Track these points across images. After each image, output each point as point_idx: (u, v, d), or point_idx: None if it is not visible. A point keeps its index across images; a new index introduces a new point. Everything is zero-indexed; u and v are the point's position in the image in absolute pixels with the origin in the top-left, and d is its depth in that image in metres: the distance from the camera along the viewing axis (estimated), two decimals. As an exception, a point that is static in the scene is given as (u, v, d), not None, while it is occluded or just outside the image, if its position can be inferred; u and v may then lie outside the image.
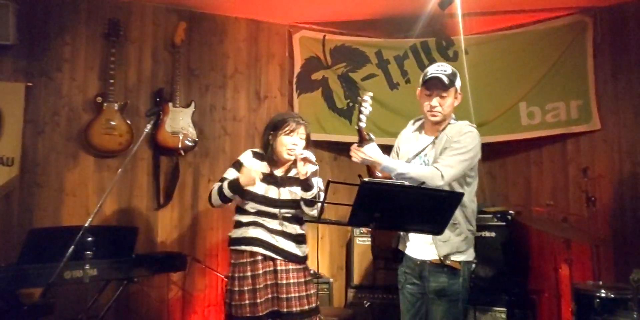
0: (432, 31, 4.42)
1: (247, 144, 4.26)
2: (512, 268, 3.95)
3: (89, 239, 2.58)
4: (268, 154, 2.80)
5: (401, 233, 2.57)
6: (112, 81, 3.75)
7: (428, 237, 2.41)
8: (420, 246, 2.47)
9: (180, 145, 3.89)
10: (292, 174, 2.80)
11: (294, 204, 2.74)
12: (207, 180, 4.13)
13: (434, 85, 2.41)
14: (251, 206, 2.75)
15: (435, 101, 2.42)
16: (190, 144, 3.94)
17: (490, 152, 4.45)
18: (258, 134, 4.30)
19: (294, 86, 4.46)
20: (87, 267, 2.61)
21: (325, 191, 2.12)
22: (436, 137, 2.46)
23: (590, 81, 4.00)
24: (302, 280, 2.75)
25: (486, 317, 3.82)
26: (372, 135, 2.39)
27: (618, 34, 3.95)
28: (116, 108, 3.75)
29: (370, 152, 2.34)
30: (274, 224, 2.73)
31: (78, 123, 3.76)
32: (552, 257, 3.92)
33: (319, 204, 2.62)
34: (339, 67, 4.49)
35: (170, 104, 3.92)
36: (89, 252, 2.58)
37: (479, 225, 4.05)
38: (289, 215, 2.76)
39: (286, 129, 2.73)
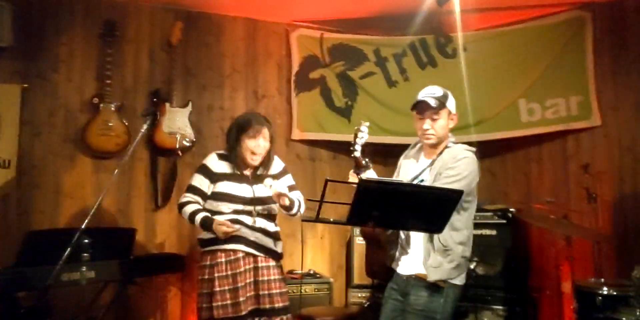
0: (430, 28, 4.40)
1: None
2: (513, 266, 3.93)
3: (87, 240, 2.57)
4: (232, 156, 2.80)
5: (395, 253, 2.53)
6: (108, 82, 3.73)
7: (420, 262, 2.36)
8: (410, 264, 2.43)
9: (177, 146, 3.87)
10: (259, 172, 2.85)
11: (268, 200, 2.78)
12: (205, 181, 4.11)
13: (423, 109, 2.43)
14: (227, 207, 2.74)
15: (427, 124, 2.42)
16: (187, 144, 3.93)
17: (490, 149, 4.44)
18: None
19: (292, 85, 4.44)
20: (85, 269, 2.62)
21: (324, 190, 2.10)
22: (433, 161, 2.45)
23: (590, 77, 3.99)
24: (281, 277, 2.80)
25: (487, 315, 3.80)
26: (368, 162, 2.40)
27: (617, 29, 3.93)
28: (113, 109, 3.73)
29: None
30: (253, 220, 2.75)
31: (75, 124, 3.75)
32: (553, 255, 3.89)
33: (298, 207, 2.77)
34: (337, 66, 4.47)
35: (167, 104, 3.91)
36: (86, 254, 2.58)
37: (478, 224, 4.07)
38: (265, 212, 2.79)
39: (249, 132, 2.76)
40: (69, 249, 2.51)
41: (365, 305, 4.01)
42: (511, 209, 4.06)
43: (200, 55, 4.19)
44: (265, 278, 2.73)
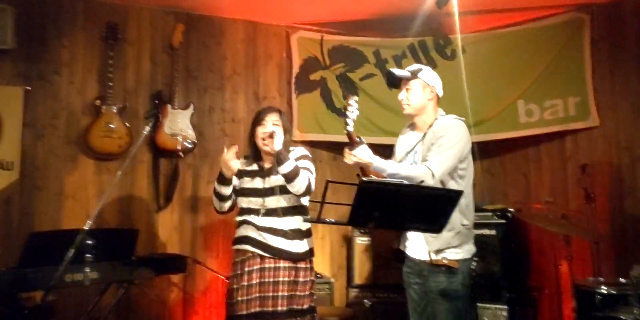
0: (429, 30, 4.43)
1: (246, 145, 4.22)
2: (512, 265, 3.95)
3: (89, 241, 2.58)
4: (252, 151, 2.81)
5: (401, 233, 2.59)
6: (110, 84, 3.75)
7: (420, 235, 2.44)
8: (416, 245, 2.50)
9: (179, 147, 3.89)
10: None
11: (281, 190, 2.68)
12: (206, 182, 4.14)
13: (391, 82, 2.61)
14: (241, 201, 2.77)
15: (401, 94, 2.57)
16: (189, 145, 3.95)
17: (489, 149, 4.47)
18: (257, 135, 4.31)
19: (293, 87, 4.46)
20: (88, 270, 2.63)
21: (325, 191, 2.12)
22: (424, 134, 2.52)
23: (587, 78, 4.01)
24: (292, 279, 2.65)
25: (487, 315, 3.82)
26: (362, 138, 2.42)
27: (615, 31, 3.95)
28: (115, 111, 3.76)
29: (361, 154, 2.36)
30: (260, 220, 2.69)
31: (77, 126, 3.77)
32: (552, 254, 3.92)
33: (300, 179, 2.58)
34: (337, 67, 4.49)
35: (169, 106, 3.93)
36: (89, 255, 2.59)
37: (478, 224, 4.06)
38: (275, 205, 2.69)
39: (259, 121, 2.76)
40: (72, 249, 2.53)
41: (367, 306, 4.03)
42: (510, 209, 4.08)
43: (201, 57, 4.21)
44: (272, 279, 2.63)
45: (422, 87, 2.56)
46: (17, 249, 3.03)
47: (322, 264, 4.45)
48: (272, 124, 2.73)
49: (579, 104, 4.04)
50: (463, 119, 2.55)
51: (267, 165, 2.79)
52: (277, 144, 2.60)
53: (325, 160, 4.57)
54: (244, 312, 2.61)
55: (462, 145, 2.45)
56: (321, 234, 4.49)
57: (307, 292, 2.70)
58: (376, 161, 2.37)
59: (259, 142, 2.74)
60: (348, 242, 4.48)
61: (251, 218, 2.73)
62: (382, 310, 3.96)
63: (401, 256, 2.60)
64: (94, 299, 3.37)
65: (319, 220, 2.48)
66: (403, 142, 2.68)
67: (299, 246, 2.70)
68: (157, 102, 3.95)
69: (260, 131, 2.72)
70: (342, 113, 4.37)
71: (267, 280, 2.64)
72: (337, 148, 4.45)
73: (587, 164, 3.80)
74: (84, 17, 3.86)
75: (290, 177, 2.59)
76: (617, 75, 3.94)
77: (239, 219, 2.78)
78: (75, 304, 3.54)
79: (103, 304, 3.35)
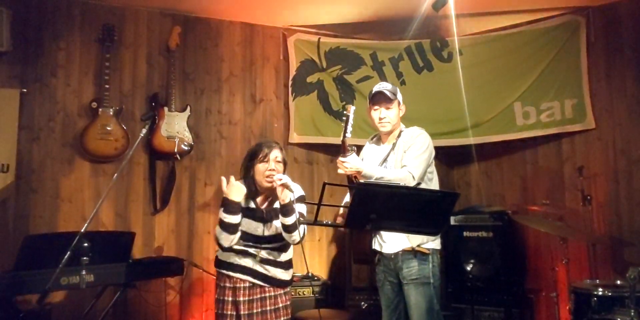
0: (426, 32, 4.44)
1: (243, 147, 4.26)
2: (509, 267, 3.96)
3: (86, 244, 2.58)
4: (248, 185, 2.73)
5: (375, 233, 2.79)
6: (107, 86, 3.75)
7: (402, 234, 2.66)
8: (394, 241, 2.73)
9: (176, 150, 3.88)
10: (276, 205, 2.70)
11: (278, 237, 2.69)
12: (203, 184, 4.13)
13: (379, 100, 2.79)
14: (239, 241, 2.71)
15: (383, 113, 2.79)
16: (186, 148, 3.94)
17: (485, 152, 4.48)
18: (254, 137, 4.31)
19: (290, 89, 4.46)
20: (84, 272, 2.61)
21: (322, 194, 2.12)
22: (394, 144, 2.80)
23: (584, 80, 4.02)
24: (288, 304, 2.75)
25: (484, 317, 3.82)
26: (353, 147, 2.65)
27: (611, 33, 3.97)
28: (111, 113, 3.75)
29: (353, 161, 2.61)
30: (262, 253, 2.69)
31: (73, 128, 3.76)
32: (549, 256, 3.92)
33: (299, 230, 2.60)
34: (334, 70, 4.50)
35: (165, 109, 3.93)
36: (85, 258, 2.58)
37: (475, 226, 4.11)
38: (272, 246, 2.71)
39: (260, 156, 2.70)
40: (68, 252, 2.52)
41: (363, 308, 4.02)
42: (507, 211, 4.10)
43: (198, 59, 4.21)
44: (273, 307, 2.68)
45: (398, 106, 2.84)
46: (13, 252, 3.03)
47: (318, 267, 4.45)
48: (275, 161, 2.71)
49: (576, 106, 4.05)
50: (424, 129, 2.83)
51: (261, 202, 2.75)
52: (288, 196, 2.58)
53: (322, 162, 4.57)
54: None
55: (430, 151, 2.76)
56: (318, 236, 4.49)
57: (289, 316, 2.79)
58: (365, 167, 2.62)
59: (260, 179, 2.70)
60: (344, 244, 4.48)
61: (252, 250, 2.70)
62: (378, 312, 3.95)
63: (376, 256, 2.82)
64: (90, 302, 3.36)
65: (316, 222, 2.48)
66: (370, 154, 2.92)
67: (290, 273, 2.81)
68: (153, 104, 3.95)
69: (264, 168, 2.68)
70: (342, 114, 4.41)
71: (270, 308, 2.68)
72: (333, 150, 4.46)
73: (583, 166, 3.81)
74: (80, 19, 3.85)
75: (292, 229, 2.61)
76: (613, 77, 3.95)
77: (237, 246, 2.69)
78: (72, 307, 3.53)
79: (99, 307, 3.34)
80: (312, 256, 4.45)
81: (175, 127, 3.92)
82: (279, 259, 2.73)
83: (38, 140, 3.67)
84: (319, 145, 4.50)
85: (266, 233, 2.70)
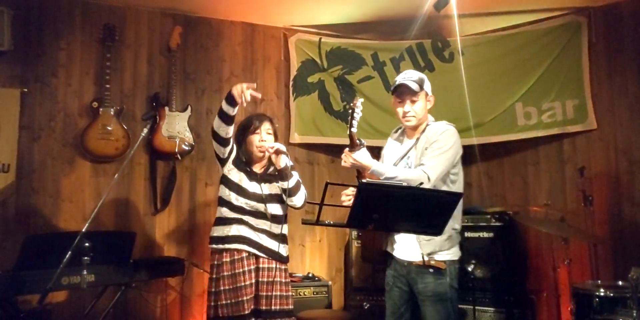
0: (427, 33, 4.43)
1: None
2: (511, 268, 3.95)
3: (87, 244, 2.57)
4: (242, 156, 2.84)
5: (390, 235, 2.60)
6: (107, 86, 3.74)
7: (412, 238, 2.46)
8: (405, 247, 2.51)
9: (177, 150, 3.88)
10: (270, 170, 2.86)
11: (277, 198, 2.79)
12: (204, 185, 4.13)
13: (403, 92, 2.52)
14: (235, 198, 2.77)
15: (407, 107, 2.52)
16: (187, 148, 3.94)
17: (487, 152, 4.47)
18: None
19: (291, 89, 4.46)
20: (85, 272, 2.60)
21: (324, 193, 2.12)
22: (417, 140, 2.54)
23: (585, 81, 4.02)
24: (284, 280, 2.80)
25: (485, 318, 3.82)
26: (362, 141, 2.42)
27: (613, 34, 3.97)
28: (112, 113, 3.74)
29: (361, 157, 2.37)
30: (258, 222, 2.76)
31: (74, 128, 3.76)
32: (550, 257, 3.92)
33: (300, 193, 2.71)
34: (335, 70, 4.49)
35: (166, 108, 3.92)
36: (86, 258, 2.57)
37: (477, 226, 4.10)
38: (271, 212, 2.77)
39: (251, 128, 2.82)
40: (70, 252, 2.52)
41: (365, 308, 4.01)
42: (508, 212, 4.09)
43: (199, 59, 4.20)
44: (266, 279, 2.74)
45: (425, 97, 2.57)
46: (14, 252, 3.02)
47: (319, 267, 4.44)
48: (266, 133, 2.83)
49: (577, 106, 4.04)
50: (454, 125, 2.57)
51: (256, 170, 2.86)
52: (283, 161, 2.72)
53: (323, 162, 4.57)
54: (244, 313, 2.66)
55: (455, 150, 2.47)
56: (319, 236, 4.49)
57: (291, 293, 2.84)
58: (375, 164, 2.40)
59: (253, 149, 2.82)
60: (346, 244, 4.48)
61: (248, 218, 2.76)
62: (379, 312, 3.94)
63: (387, 259, 2.64)
64: (90, 302, 3.36)
65: (317, 222, 2.47)
66: (393, 148, 2.70)
67: (287, 250, 2.87)
68: (154, 104, 3.94)
69: (257, 139, 2.80)
70: (343, 114, 4.38)
71: (261, 280, 2.73)
72: (334, 151, 4.46)
73: (585, 166, 3.80)
74: (81, 19, 3.85)
75: (293, 192, 2.73)
76: (614, 78, 3.95)
77: (230, 215, 2.77)
78: (72, 307, 3.53)
79: (100, 306, 3.34)
80: (313, 256, 4.45)
81: (176, 127, 3.92)
82: (274, 231, 2.78)
83: (39, 140, 3.67)
84: (319, 146, 4.49)
85: (264, 191, 2.78)
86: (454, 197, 2.12)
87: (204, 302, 3.99)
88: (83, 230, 2.58)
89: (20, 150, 3.58)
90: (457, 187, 2.52)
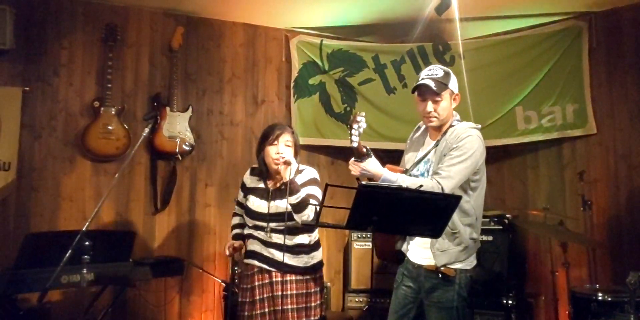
0: (429, 36, 4.44)
1: (244, 148, 4.27)
2: (509, 271, 3.95)
3: (86, 243, 2.58)
4: (260, 167, 2.77)
5: (404, 236, 2.54)
6: (109, 86, 3.75)
7: (427, 243, 2.36)
8: (419, 250, 2.43)
9: (177, 150, 3.89)
10: (284, 186, 2.69)
11: (283, 216, 2.66)
12: (204, 185, 4.13)
13: (424, 92, 2.37)
14: (249, 221, 2.80)
15: (429, 106, 2.36)
16: (187, 148, 3.95)
17: (486, 156, 4.45)
18: (255, 138, 4.30)
19: (292, 91, 4.47)
20: (85, 271, 2.61)
21: (324, 195, 2.12)
22: (437, 142, 2.39)
23: (585, 85, 4.03)
24: (303, 291, 2.69)
25: (483, 321, 3.82)
26: (369, 150, 2.28)
27: (613, 39, 3.98)
28: (113, 112, 3.75)
29: (371, 166, 2.25)
30: (266, 235, 2.72)
31: (75, 127, 3.76)
32: (549, 261, 3.92)
33: (308, 210, 2.58)
34: (336, 72, 4.50)
35: (167, 109, 3.93)
36: (86, 257, 2.58)
37: (476, 229, 4.07)
38: (280, 227, 2.68)
39: (270, 138, 2.70)
40: (70, 251, 2.52)
41: (364, 309, 4.02)
42: (508, 215, 4.09)
43: (200, 60, 4.21)
44: (281, 293, 2.66)
45: (450, 96, 2.40)
46: (14, 250, 3.03)
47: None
48: (284, 144, 2.69)
49: (577, 111, 4.05)
50: (479, 126, 2.40)
51: (272, 184, 2.78)
52: (290, 174, 2.59)
53: (324, 164, 4.57)
54: None
55: (476, 157, 2.30)
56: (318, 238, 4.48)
57: (318, 302, 2.74)
58: (385, 173, 2.27)
59: (270, 161, 2.70)
60: (345, 246, 4.48)
61: (258, 233, 2.75)
62: (379, 314, 3.95)
63: (400, 257, 2.54)
64: (90, 301, 3.36)
65: (317, 223, 2.49)
66: (415, 149, 2.54)
67: (306, 260, 2.73)
68: (155, 104, 3.95)
69: (273, 151, 2.68)
70: (344, 116, 4.37)
71: (276, 294, 2.67)
72: (335, 152, 4.47)
73: (584, 171, 3.81)
74: (83, 19, 3.85)
75: (298, 208, 2.60)
76: (614, 83, 3.96)
77: (247, 232, 2.82)
78: (71, 306, 3.53)
79: (99, 306, 3.34)
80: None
81: (177, 127, 3.93)
82: (285, 243, 2.67)
83: (40, 138, 3.67)
84: (320, 147, 4.50)
85: (271, 211, 2.70)
86: (452, 200, 2.12)
87: (203, 302, 4.02)
88: (83, 229, 2.59)
89: (21, 149, 3.58)
90: (478, 194, 2.36)
